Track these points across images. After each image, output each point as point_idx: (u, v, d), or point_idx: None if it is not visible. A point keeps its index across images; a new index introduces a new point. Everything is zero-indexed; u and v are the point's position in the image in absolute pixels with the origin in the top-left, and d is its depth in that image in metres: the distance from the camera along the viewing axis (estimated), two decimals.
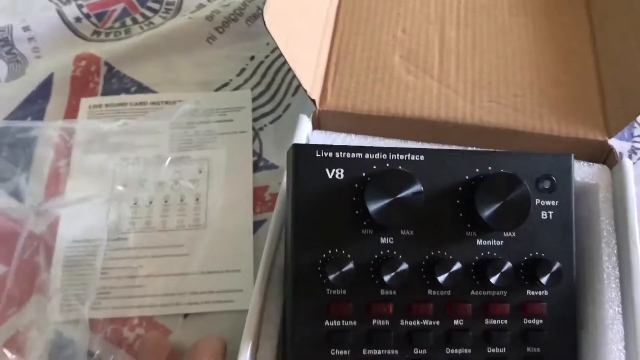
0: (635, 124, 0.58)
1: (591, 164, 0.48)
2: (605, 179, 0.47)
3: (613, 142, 0.50)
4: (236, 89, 0.63)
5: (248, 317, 0.42)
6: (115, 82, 0.63)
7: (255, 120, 0.61)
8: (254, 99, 0.62)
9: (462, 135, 0.51)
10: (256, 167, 0.58)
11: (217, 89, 0.63)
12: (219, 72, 0.64)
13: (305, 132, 0.50)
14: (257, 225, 0.55)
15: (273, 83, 0.63)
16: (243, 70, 0.64)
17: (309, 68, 0.52)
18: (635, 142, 0.57)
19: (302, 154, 0.42)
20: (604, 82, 0.52)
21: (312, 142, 0.50)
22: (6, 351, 0.46)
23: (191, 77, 0.63)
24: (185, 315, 0.51)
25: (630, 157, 0.56)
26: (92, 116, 0.60)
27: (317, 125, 0.53)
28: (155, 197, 0.56)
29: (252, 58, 0.65)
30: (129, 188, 0.56)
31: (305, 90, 0.51)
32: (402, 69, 0.54)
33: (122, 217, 0.54)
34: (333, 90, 0.53)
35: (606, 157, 0.50)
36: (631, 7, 0.52)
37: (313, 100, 0.52)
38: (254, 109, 0.61)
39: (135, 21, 0.68)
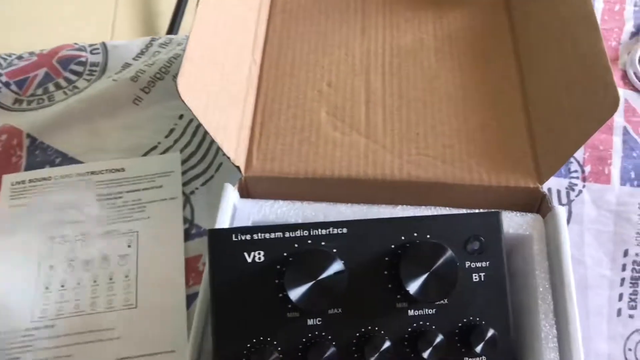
0: (572, 159, 0.57)
1: (523, 214, 0.47)
2: (538, 229, 0.46)
3: (550, 181, 0.48)
4: (165, 151, 0.61)
5: None
6: (39, 154, 0.61)
7: (186, 184, 0.59)
8: (184, 161, 0.60)
9: (391, 192, 0.50)
10: (188, 236, 0.56)
11: (145, 154, 0.60)
12: (146, 135, 0.61)
13: (230, 203, 0.48)
14: (191, 299, 0.53)
15: (204, 141, 0.61)
16: (172, 130, 0.62)
17: (231, 133, 0.50)
18: (572, 177, 0.56)
19: (218, 240, 0.40)
20: (533, 126, 0.51)
21: (239, 211, 0.48)
22: None
23: (118, 142, 0.61)
24: None
25: (568, 193, 0.55)
26: (15, 194, 0.58)
27: (245, 191, 0.51)
28: (84, 277, 0.53)
29: (181, 117, 0.63)
30: (55, 270, 0.53)
31: (228, 158, 0.49)
32: (328, 125, 0.52)
33: (49, 302, 0.52)
34: (259, 154, 0.51)
35: (540, 204, 0.48)
36: (560, 48, 0.51)
37: (238, 167, 0.50)
38: (184, 172, 0.59)
39: (58, 86, 0.65)
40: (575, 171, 0.56)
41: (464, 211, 0.46)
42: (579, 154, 0.57)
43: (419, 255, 0.39)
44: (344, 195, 0.49)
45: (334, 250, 0.40)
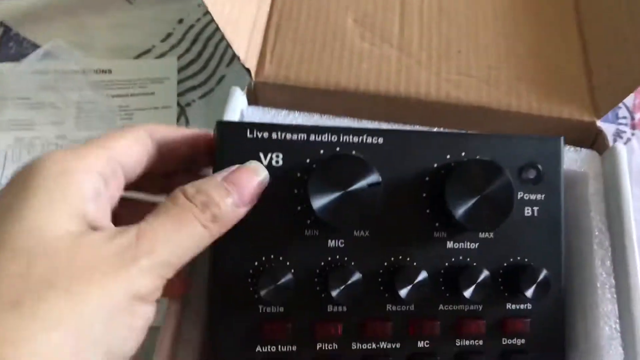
0: (621, 104, 0.50)
1: (578, 149, 0.41)
2: (594, 167, 0.40)
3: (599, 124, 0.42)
4: (160, 56, 0.53)
5: (159, 339, 0.33)
6: (13, 45, 0.53)
7: (181, 94, 0.51)
8: (181, 69, 0.52)
9: (425, 113, 0.43)
10: None
11: (137, 57, 0.53)
12: (140, 37, 0.54)
13: (237, 109, 0.41)
14: None
15: (204, 51, 0.54)
16: (169, 35, 0.54)
17: (243, 30, 0.43)
18: (620, 124, 0.50)
19: (230, 134, 0.33)
20: (590, 54, 0.45)
21: (247, 119, 0.41)
22: None
23: (106, 41, 0.53)
24: None
25: (615, 141, 0.49)
26: None
27: (253, 99, 0.44)
28: None
29: (180, 21, 0.55)
30: None
31: (238, 58, 0.41)
32: (355, 34, 0.45)
33: None
34: (273, 58, 0.44)
35: (594, 141, 0.42)
36: None
37: (248, 70, 0.43)
38: (180, 81, 0.52)
39: None
40: (624, 117, 0.50)
41: None
42: (629, 100, 0.51)
43: (471, 174, 0.33)
44: (370, 114, 0.42)
45: (370, 164, 0.33)
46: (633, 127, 0.49)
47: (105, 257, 0.24)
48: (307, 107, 0.42)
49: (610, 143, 0.47)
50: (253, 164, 0.31)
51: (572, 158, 0.40)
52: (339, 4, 0.46)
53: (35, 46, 0.52)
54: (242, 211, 0.29)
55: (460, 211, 0.32)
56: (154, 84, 0.51)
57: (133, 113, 0.49)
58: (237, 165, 0.30)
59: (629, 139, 0.49)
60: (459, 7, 0.47)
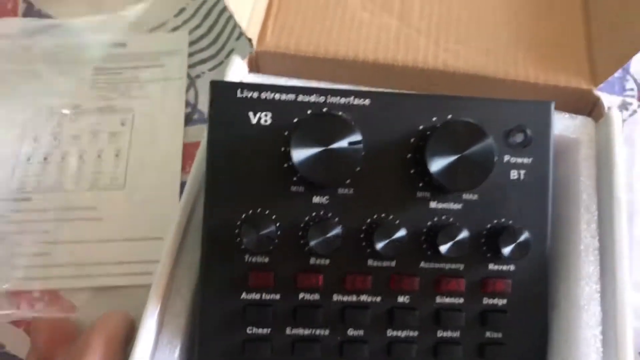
0: (628, 76, 0.50)
1: (573, 115, 0.41)
2: (588, 133, 0.40)
3: (601, 94, 0.42)
4: (173, 30, 0.55)
5: (151, 290, 0.35)
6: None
7: (192, 66, 0.53)
8: (193, 43, 0.54)
9: (423, 81, 0.44)
10: (189, 120, 0.50)
11: (152, 30, 0.54)
12: (154, 11, 0.55)
13: (237, 76, 0.42)
14: None
15: (216, 25, 0.55)
16: (183, 10, 0.56)
17: (246, 1, 0.44)
18: (627, 95, 0.49)
19: (221, 93, 0.35)
20: (590, 20, 0.45)
21: None
22: None
23: (121, 17, 0.55)
24: (95, 290, 0.44)
25: (621, 112, 0.48)
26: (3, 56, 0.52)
27: (255, 68, 0.45)
28: (69, 152, 0.48)
29: None
30: (39, 142, 0.48)
31: (240, 27, 0.43)
32: (357, 4, 0.46)
33: (29, 175, 0.47)
34: (275, 28, 0.45)
35: (591, 109, 0.42)
36: None
37: (250, 40, 0.44)
38: (192, 54, 0.53)
39: None
40: (631, 89, 0.49)
41: None
42: (636, 71, 0.50)
43: (452, 134, 0.33)
44: (369, 82, 0.42)
45: (352, 123, 0.34)
46: None
47: None
48: (307, 76, 0.43)
49: (612, 110, 0.47)
50: None
51: (567, 124, 0.40)
52: None
53: (52, 19, 0.55)
54: None
55: (437, 168, 0.33)
56: (165, 57, 0.52)
57: (145, 84, 0.51)
58: None
59: (634, 111, 0.48)
60: None
